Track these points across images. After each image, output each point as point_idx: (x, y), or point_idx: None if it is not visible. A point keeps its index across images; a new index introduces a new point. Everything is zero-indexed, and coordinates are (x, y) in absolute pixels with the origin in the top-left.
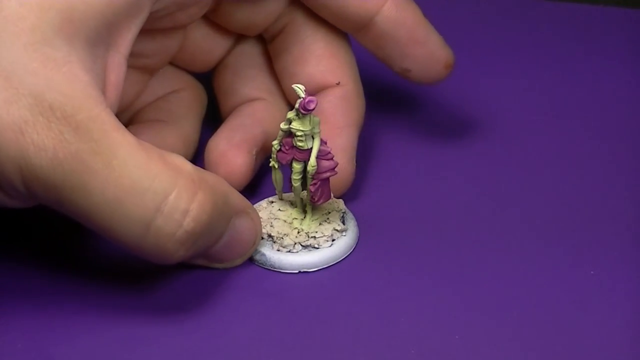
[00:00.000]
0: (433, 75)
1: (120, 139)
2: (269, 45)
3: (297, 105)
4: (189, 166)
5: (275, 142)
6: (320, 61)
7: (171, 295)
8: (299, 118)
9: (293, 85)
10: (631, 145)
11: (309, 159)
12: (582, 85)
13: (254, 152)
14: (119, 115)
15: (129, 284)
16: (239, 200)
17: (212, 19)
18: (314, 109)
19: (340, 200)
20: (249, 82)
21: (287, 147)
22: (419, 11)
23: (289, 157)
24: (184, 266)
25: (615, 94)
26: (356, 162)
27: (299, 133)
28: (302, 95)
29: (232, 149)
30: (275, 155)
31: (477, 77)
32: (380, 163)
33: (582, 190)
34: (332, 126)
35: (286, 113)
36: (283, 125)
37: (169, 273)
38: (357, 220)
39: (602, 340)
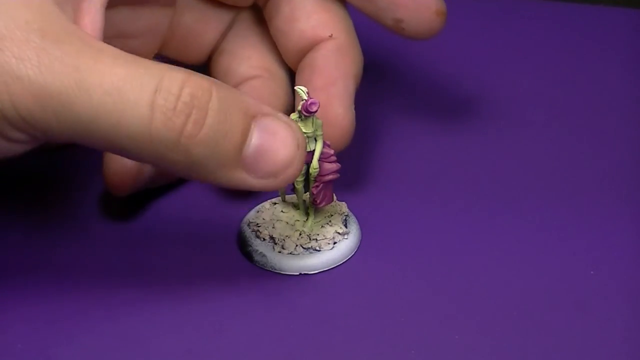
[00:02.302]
0: (426, 24)
1: (103, 45)
2: (264, 10)
3: (299, 108)
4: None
5: None
6: (310, 16)
7: (172, 295)
8: (301, 120)
9: (295, 88)
10: (631, 145)
11: (311, 161)
12: (582, 85)
13: None
14: None
15: (130, 285)
16: (261, 105)
17: None
18: (316, 112)
19: (343, 203)
20: (245, 62)
21: None
22: None
23: None
24: (184, 266)
25: (615, 93)
26: (353, 165)
27: None
28: (305, 97)
29: None
30: None
31: (476, 77)
32: (383, 163)
33: (581, 188)
34: (326, 78)
35: (285, 88)
36: None
37: (169, 274)
38: (359, 222)
39: (603, 346)
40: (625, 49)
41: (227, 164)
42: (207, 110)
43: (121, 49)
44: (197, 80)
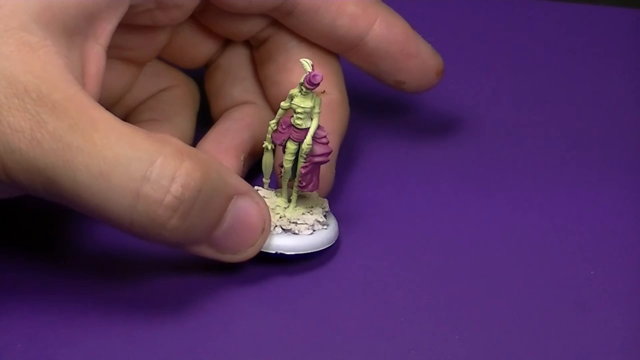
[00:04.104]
0: (425, 84)
1: (99, 115)
2: (255, 51)
3: (301, 80)
4: (176, 140)
5: (272, 122)
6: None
7: (170, 296)
8: (302, 94)
9: (300, 60)
10: (632, 146)
11: (304, 139)
12: (582, 85)
13: (242, 158)
14: (112, 111)
15: (129, 285)
16: (240, 181)
17: (200, 21)
18: (319, 84)
19: (325, 199)
20: (239, 84)
21: (283, 127)
22: (407, 24)
23: (284, 137)
24: (184, 265)
25: (615, 93)
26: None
27: (299, 110)
28: (309, 69)
29: (220, 154)
30: (270, 136)
31: (476, 77)
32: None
33: (581, 189)
34: None
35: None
36: (284, 104)
37: (168, 274)
38: (338, 222)
39: (603, 346)
40: (625, 49)
41: (195, 242)
42: (195, 203)
43: (119, 56)
44: (191, 167)
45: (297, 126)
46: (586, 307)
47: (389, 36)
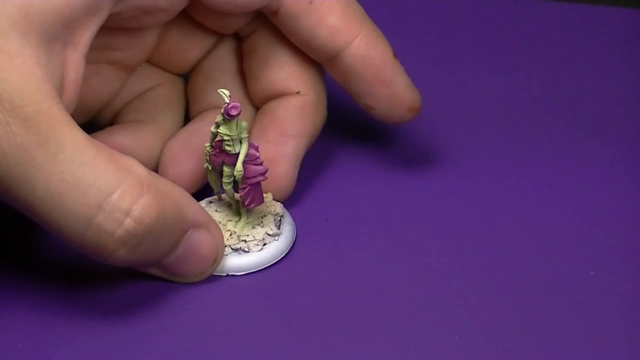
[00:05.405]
0: (396, 116)
1: (69, 134)
2: (242, 43)
3: (222, 110)
4: (140, 169)
5: (207, 145)
6: (283, 67)
7: (167, 297)
8: (225, 123)
9: (218, 90)
10: (632, 147)
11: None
12: (582, 85)
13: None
14: (99, 114)
15: (128, 285)
16: (199, 213)
17: (189, 14)
18: (237, 115)
19: (279, 203)
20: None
21: (217, 151)
22: (390, 50)
23: (219, 161)
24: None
25: (615, 93)
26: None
27: (225, 138)
28: (227, 100)
29: (185, 154)
30: (208, 158)
31: (475, 77)
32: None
33: (580, 189)
34: (281, 133)
35: (251, 122)
36: (212, 129)
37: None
38: (296, 223)
39: (603, 346)
40: (625, 49)
41: (145, 267)
42: (145, 237)
43: (107, 59)
44: (148, 203)
45: (227, 152)
46: (586, 307)
47: (365, 57)
